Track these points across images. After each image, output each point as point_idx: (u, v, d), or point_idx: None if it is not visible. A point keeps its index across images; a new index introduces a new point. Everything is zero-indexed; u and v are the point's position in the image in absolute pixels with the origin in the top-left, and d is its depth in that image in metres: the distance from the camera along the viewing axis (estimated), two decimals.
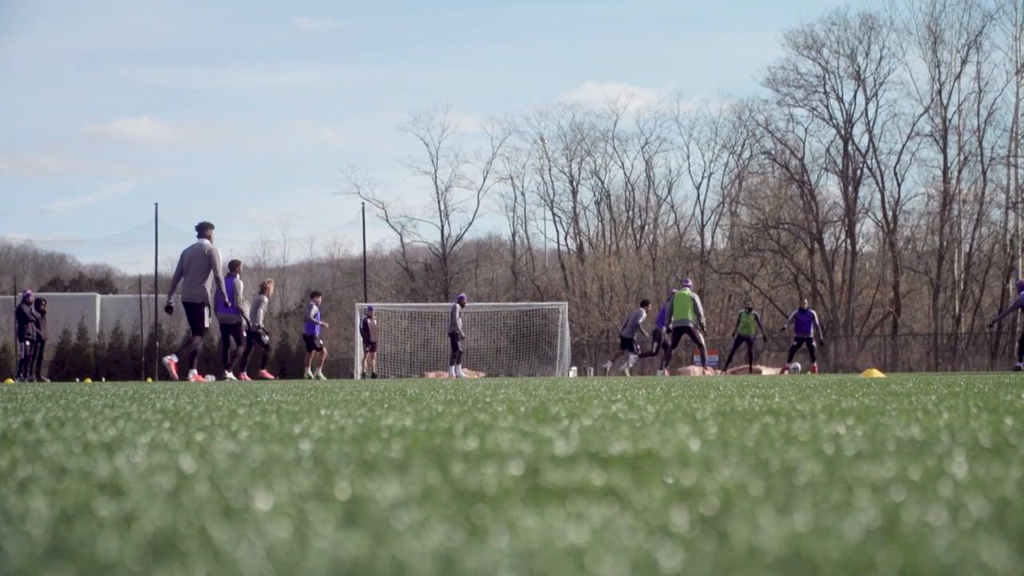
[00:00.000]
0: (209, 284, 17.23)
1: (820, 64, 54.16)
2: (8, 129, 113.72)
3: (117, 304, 64.68)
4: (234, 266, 20.85)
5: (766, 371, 29.19)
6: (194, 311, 17.27)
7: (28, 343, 27.65)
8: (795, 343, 29.33)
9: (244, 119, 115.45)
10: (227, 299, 19.12)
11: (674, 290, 27.52)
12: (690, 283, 27.16)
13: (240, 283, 20.39)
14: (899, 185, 53.61)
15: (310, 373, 27.00)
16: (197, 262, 17.12)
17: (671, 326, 25.79)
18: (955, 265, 51.24)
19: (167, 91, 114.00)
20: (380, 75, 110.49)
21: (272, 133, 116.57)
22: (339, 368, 50.68)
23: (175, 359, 17.84)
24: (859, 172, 53.93)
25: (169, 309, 17.76)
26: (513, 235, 64.65)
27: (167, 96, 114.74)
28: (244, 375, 20.88)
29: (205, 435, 3.14)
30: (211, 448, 2.66)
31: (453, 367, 29.67)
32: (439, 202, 63.75)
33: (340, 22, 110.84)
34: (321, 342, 27.24)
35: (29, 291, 29.47)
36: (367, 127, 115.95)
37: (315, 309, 26.99)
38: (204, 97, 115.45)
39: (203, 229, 17.45)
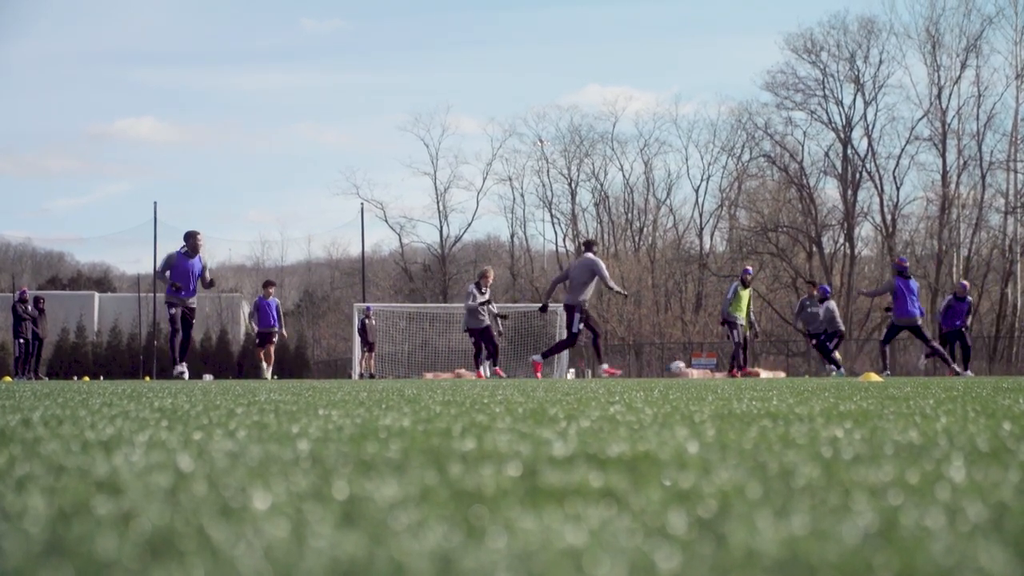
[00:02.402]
0: (588, 292, 19.35)
1: (819, 68, 54.23)
2: (10, 129, 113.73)
3: (115, 303, 64.61)
4: (189, 237, 19.03)
5: (764, 374, 29.02)
6: (569, 313, 19.31)
7: (22, 341, 27.64)
8: (944, 337, 23.96)
9: (246, 119, 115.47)
10: (172, 280, 18.49)
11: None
12: (749, 269, 24.21)
13: (194, 263, 18.68)
14: (898, 189, 53.68)
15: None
16: (578, 272, 19.15)
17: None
18: (954, 269, 51.24)
19: (170, 91, 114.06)
20: (382, 76, 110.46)
21: (273, 133, 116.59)
22: (337, 368, 50.68)
23: (540, 360, 20.28)
24: (858, 176, 53.97)
25: (544, 309, 20.90)
26: (512, 236, 64.70)
27: (170, 96, 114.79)
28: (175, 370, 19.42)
29: (203, 434, 3.14)
30: (209, 447, 2.66)
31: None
32: (438, 203, 63.79)
33: (344, 23, 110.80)
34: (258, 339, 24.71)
35: (25, 289, 29.45)
36: (367, 128, 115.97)
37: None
38: (206, 97, 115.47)
39: (589, 245, 19.59)
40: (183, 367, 19.21)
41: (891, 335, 22.38)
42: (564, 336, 20.53)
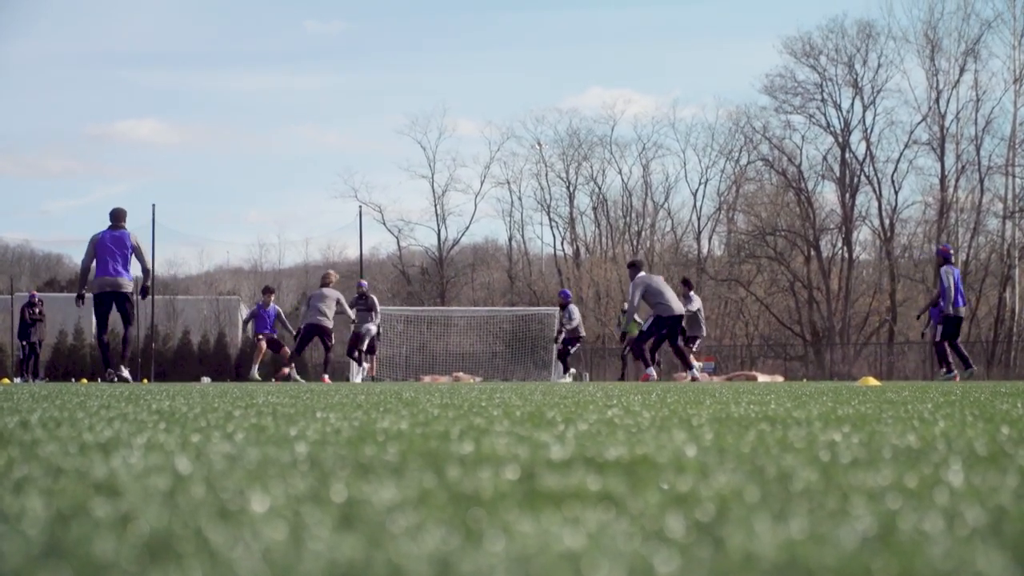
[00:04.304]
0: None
1: (818, 71, 54.25)
2: (10, 129, 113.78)
3: None
4: (120, 216, 16.85)
5: (762, 378, 28.96)
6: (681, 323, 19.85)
7: (25, 344, 27.87)
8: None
9: (245, 121, 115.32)
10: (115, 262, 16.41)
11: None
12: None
13: (123, 237, 16.53)
14: (896, 193, 53.69)
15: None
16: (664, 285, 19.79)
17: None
18: None
19: (170, 93, 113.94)
20: (380, 78, 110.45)
21: (273, 135, 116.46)
22: (335, 371, 50.62)
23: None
24: (856, 180, 53.99)
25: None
26: (510, 240, 64.69)
27: (170, 98, 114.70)
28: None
29: (201, 437, 3.14)
30: (207, 450, 2.66)
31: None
32: (436, 206, 63.78)
33: (347, 25, 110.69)
34: (259, 338, 24.01)
35: (35, 292, 29.64)
36: (366, 130, 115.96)
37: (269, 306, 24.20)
38: (206, 99, 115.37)
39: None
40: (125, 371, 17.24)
41: (950, 331, 19.72)
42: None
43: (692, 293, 24.26)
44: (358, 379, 24.95)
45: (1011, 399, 6.58)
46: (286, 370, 23.19)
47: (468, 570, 1.20)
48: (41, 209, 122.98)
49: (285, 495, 1.79)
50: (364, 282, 26.85)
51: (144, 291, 17.04)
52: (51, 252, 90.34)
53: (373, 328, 24.99)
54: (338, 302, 22.37)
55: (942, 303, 19.66)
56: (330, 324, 22.19)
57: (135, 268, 16.98)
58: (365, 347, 25.13)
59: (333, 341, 22.55)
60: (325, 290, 22.32)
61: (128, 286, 16.69)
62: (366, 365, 25.85)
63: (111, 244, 16.63)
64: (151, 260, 17.31)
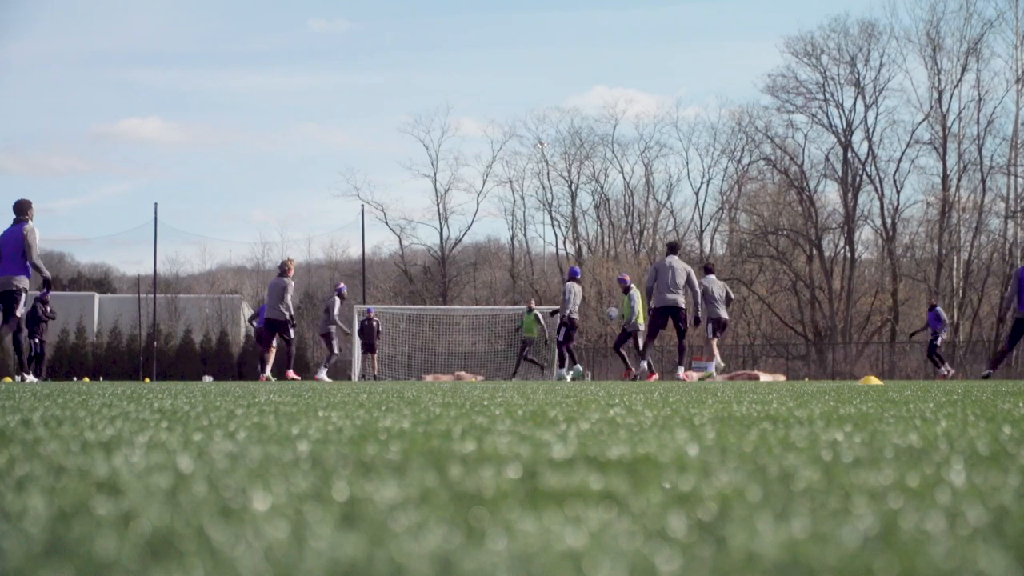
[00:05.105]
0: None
1: (820, 71, 54.21)
2: (14, 128, 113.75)
3: (116, 304, 64.57)
4: (21, 209, 15.58)
5: (764, 377, 28.92)
6: (677, 314, 19.38)
7: (38, 341, 27.88)
8: (931, 343, 28.05)
9: (248, 120, 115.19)
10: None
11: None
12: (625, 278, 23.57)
13: (32, 231, 15.46)
14: (898, 192, 53.65)
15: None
16: (676, 273, 19.37)
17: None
18: (954, 273, 51.26)
19: (173, 92, 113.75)
20: (384, 77, 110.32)
21: (276, 135, 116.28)
22: (337, 370, 50.69)
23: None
24: (858, 179, 53.95)
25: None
26: (512, 239, 64.67)
27: (173, 97, 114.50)
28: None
29: (203, 435, 3.14)
30: (209, 448, 2.66)
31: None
32: (438, 205, 63.78)
33: (352, 24, 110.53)
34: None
35: (47, 289, 29.59)
36: (369, 129, 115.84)
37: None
38: (209, 98, 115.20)
39: (675, 248, 20.10)
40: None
41: (1018, 334, 18.95)
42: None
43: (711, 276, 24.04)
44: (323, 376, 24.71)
45: (1013, 399, 6.58)
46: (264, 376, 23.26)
47: (470, 569, 1.20)
48: (45, 207, 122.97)
49: (287, 494, 1.79)
50: (343, 286, 26.44)
51: (46, 284, 15.95)
52: (53, 251, 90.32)
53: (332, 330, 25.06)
54: (286, 290, 21.76)
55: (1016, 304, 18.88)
56: (286, 316, 21.59)
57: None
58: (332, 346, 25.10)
59: (292, 335, 22.09)
60: (281, 279, 21.76)
61: (18, 283, 15.46)
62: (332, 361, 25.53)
63: (6, 240, 15.46)
64: (38, 255, 15.59)
